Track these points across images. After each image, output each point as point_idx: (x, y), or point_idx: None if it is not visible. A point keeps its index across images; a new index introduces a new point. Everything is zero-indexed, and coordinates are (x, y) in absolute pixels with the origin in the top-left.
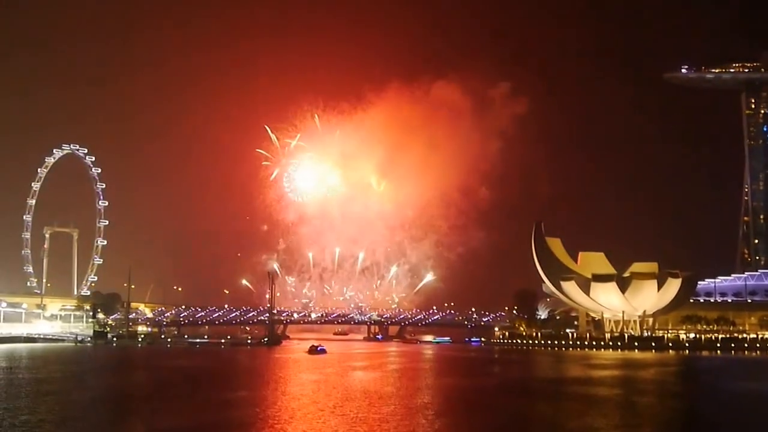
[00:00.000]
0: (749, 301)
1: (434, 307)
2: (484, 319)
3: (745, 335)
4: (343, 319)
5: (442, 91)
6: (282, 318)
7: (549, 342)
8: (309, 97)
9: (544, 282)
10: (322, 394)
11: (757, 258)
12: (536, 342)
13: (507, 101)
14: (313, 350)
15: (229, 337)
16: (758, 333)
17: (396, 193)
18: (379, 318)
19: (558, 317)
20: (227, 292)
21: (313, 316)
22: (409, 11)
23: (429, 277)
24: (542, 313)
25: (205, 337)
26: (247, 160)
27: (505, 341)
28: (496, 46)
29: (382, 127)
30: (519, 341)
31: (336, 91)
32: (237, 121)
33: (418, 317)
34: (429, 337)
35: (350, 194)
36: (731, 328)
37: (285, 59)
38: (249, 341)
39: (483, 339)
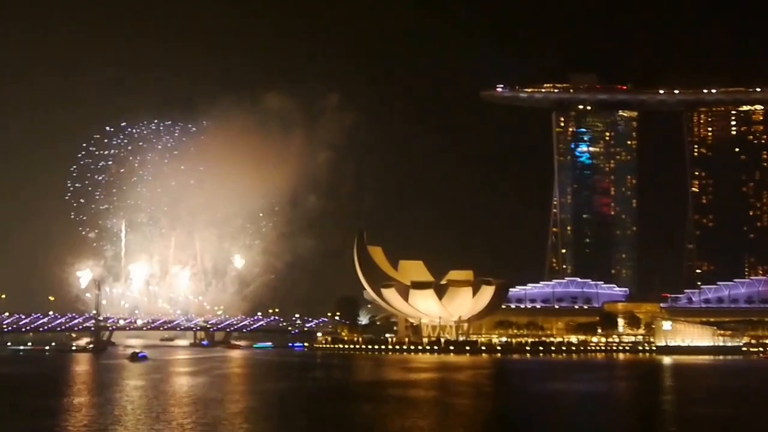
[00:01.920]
0: (557, 307)
1: (259, 314)
2: (307, 325)
3: (552, 339)
4: (170, 326)
5: (273, 102)
6: (108, 324)
7: (370, 346)
8: (142, 106)
9: (365, 289)
10: (148, 400)
11: (565, 267)
12: (358, 347)
13: (336, 113)
14: (134, 357)
15: (53, 343)
16: (564, 337)
17: (226, 201)
18: (205, 324)
19: (378, 323)
20: (52, 298)
21: (140, 322)
22: (239, 22)
23: (255, 282)
24: (363, 319)
25: (29, 344)
26: (76, 167)
27: (328, 346)
28: (326, 59)
29: (213, 136)
30: (341, 346)
31: (168, 99)
32: (66, 127)
33: (244, 323)
34: (258, 344)
35: (180, 202)
36: (540, 333)
37: (117, 65)
38: (74, 348)
39: (306, 344)
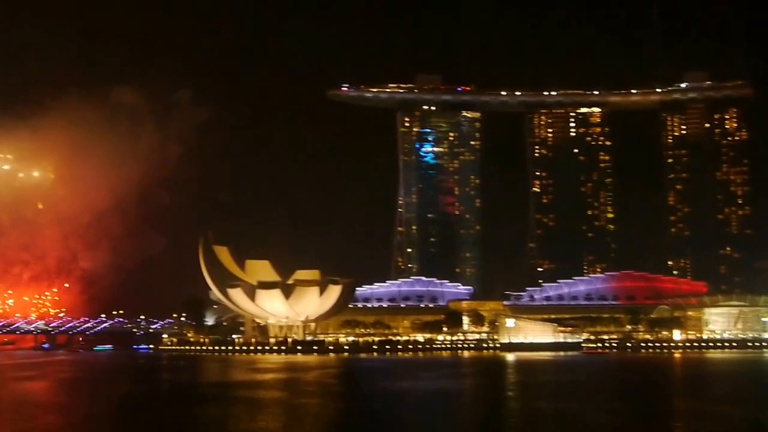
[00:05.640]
0: (403, 306)
1: (103, 315)
2: (153, 326)
3: (399, 338)
4: (8, 329)
5: (122, 96)
6: None
7: (216, 348)
8: None
9: (211, 289)
10: None
11: (410, 266)
12: (204, 348)
13: (186, 109)
14: None
15: None
16: (410, 335)
17: (72, 199)
18: (47, 327)
19: (225, 323)
20: None
21: None
22: (87, 14)
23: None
24: (210, 320)
25: None
26: None
27: (174, 348)
28: (175, 55)
29: (59, 132)
30: (187, 348)
31: (12, 93)
32: None
33: (87, 325)
34: (98, 346)
35: (22, 199)
36: (387, 332)
37: None
38: None
39: (152, 346)
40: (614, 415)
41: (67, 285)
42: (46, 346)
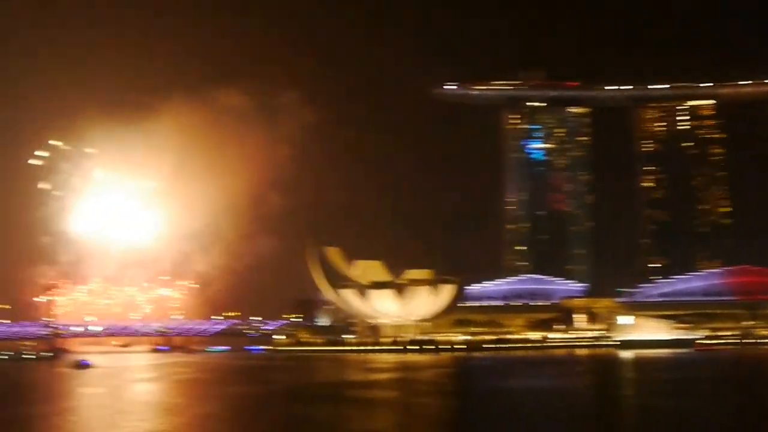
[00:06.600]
0: (515, 304)
1: (219, 317)
2: (267, 327)
3: (512, 336)
4: (127, 331)
5: (229, 98)
6: (63, 332)
7: (330, 348)
8: (94, 106)
9: (323, 290)
10: (106, 407)
11: (521, 263)
12: (317, 348)
13: (296, 109)
14: (78, 365)
15: (10, 352)
16: (523, 334)
17: (185, 202)
18: (164, 329)
19: (338, 324)
20: (8, 306)
21: (97, 328)
22: (194, 17)
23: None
24: (323, 320)
25: None
26: (24, 170)
27: (288, 348)
28: (284, 56)
29: (169, 136)
30: (301, 348)
31: (121, 98)
32: (13, 130)
33: (203, 327)
34: (214, 348)
35: (137, 203)
36: (499, 330)
37: (67, 67)
38: (30, 356)
39: (266, 347)
40: (737, 412)
41: (193, 284)
42: (162, 347)
